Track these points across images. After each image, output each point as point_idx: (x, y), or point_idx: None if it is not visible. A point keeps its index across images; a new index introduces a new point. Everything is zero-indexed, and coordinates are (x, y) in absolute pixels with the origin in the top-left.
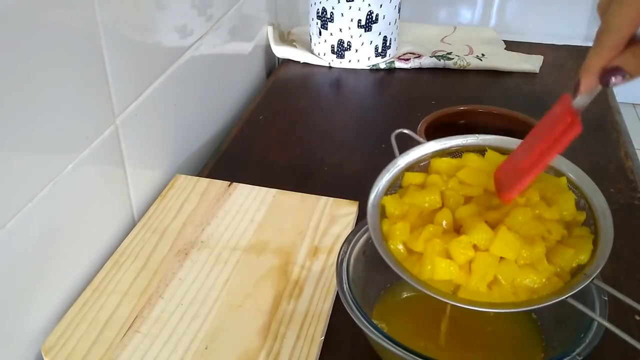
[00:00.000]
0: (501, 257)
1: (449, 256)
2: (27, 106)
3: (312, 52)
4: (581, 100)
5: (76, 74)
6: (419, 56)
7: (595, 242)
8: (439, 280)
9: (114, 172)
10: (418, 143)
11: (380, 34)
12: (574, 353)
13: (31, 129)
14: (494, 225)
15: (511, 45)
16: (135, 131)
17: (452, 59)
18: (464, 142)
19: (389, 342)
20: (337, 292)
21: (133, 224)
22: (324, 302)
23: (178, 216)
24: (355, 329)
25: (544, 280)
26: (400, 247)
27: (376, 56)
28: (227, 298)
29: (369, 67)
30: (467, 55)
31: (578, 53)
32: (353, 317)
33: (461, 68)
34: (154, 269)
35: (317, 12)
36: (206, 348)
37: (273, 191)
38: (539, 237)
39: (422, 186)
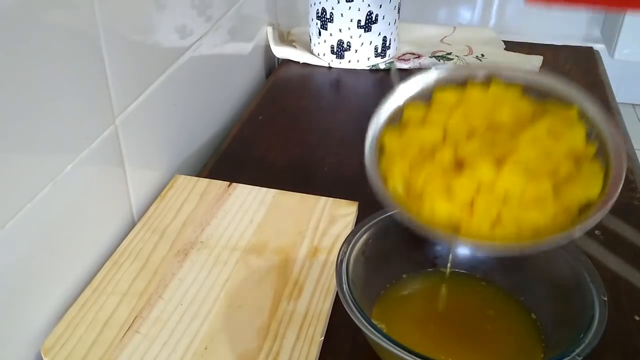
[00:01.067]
0: (505, 197)
1: (450, 194)
2: (27, 106)
3: (311, 52)
4: None
5: (76, 74)
6: (419, 56)
7: (605, 178)
8: (440, 221)
9: (113, 172)
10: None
11: (379, 34)
12: (574, 353)
13: (31, 129)
14: (499, 162)
15: (511, 46)
16: (135, 131)
17: (452, 59)
18: (469, 71)
19: (388, 342)
20: (337, 292)
21: (132, 224)
22: (323, 302)
23: (178, 216)
24: (354, 329)
25: (549, 219)
26: (399, 188)
27: (376, 56)
28: (226, 298)
29: (368, 68)
30: (466, 55)
31: (577, 53)
32: (352, 317)
33: None
34: (153, 269)
35: (317, 13)
36: (206, 348)
37: (273, 191)
38: (547, 173)
39: (423, 121)
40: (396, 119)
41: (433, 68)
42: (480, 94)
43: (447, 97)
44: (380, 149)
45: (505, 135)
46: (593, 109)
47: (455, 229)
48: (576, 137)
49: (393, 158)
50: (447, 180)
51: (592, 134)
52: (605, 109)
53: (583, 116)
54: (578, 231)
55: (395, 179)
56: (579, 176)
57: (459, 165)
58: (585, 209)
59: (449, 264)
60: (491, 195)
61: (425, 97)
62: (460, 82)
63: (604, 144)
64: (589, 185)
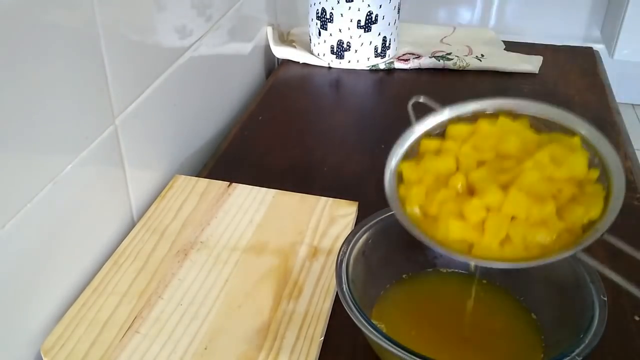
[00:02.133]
0: (512, 217)
1: (462, 217)
2: (27, 107)
3: (311, 52)
4: None
5: (75, 74)
6: (419, 57)
7: (607, 199)
8: (453, 241)
9: (113, 173)
10: (434, 110)
11: (379, 34)
12: (574, 354)
13: (30, 130)
14: (505, 187)
15: (510, 46)
16: (135, 132)
17: (452, 59)
18: (479, 107)
19: (388, 342)
20: (337, 293)
21: (132, 225)
22: (323, 302)
23: (177, 217)
24: (354, 329)
25: (554, 236)
26: (416, 210)
27: (375, 57)
28: (226, 298)
29: (368, 68)
30: (466, 55)
31: (577, 53)
32: (352, 317)
33: (460, 69)
34: (153, 269)
35: (317, 13)
36: (205, 348)
37: (272, 192)
38: (550, 196)
39: (437, 152)
40: (413, 152)
41: (447, 109)
42: (489, 126)
43: (459, 130)
44: (398, 178)
45: (512, 163)
46: (595, 136)
47: (468, 248)
48: (578, 162)
49: (411, 185)
50: (460, 204)
51: (595, 161)
52: (605, 138)
53: (586, 143)
54: (580, 248)
55: (413, 203)
56: (581, 198)
57: (471, 191)
58: (588, 226)
59: (474, 271)
60: (499, 217)
61: (439, 132)
62: (471, 117)
63: (606, 167)
64: (590, 206)
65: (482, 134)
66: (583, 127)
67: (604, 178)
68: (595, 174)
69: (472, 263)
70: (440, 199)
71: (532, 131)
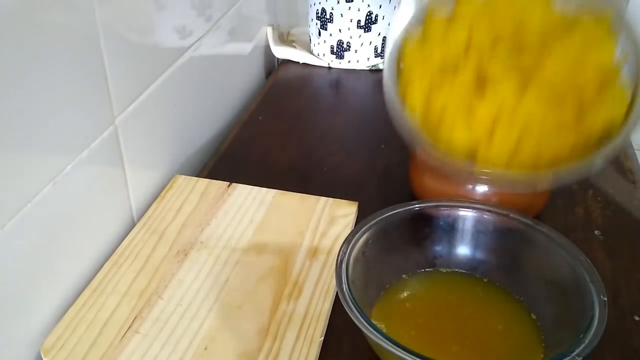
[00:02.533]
0: (526, 123)
1: (469, 121)
2: (26, 107)
3: (311, 52)
4: None
5: (75, 74)
6: None
7: (631, 105)
8: (458, 151)
9: (113, 173)
10: None
11: (379, 34)
12: (574, 354)
13: (30, 130)
14: (524, 77)
15: None
16: (135, 132)
17: None
18: None
19: (388, 342)
20: (337, 293)
21: (132, 225)
22: (323, 302)
23: (177, 217)
24: (354, 330)
25: (568, 147)
26: (418, 109)
27: (376, 57)
28: (226, 299)
29: (368, 68)
30: None
31: None
32: (352, 317)
33: None
34: (153, 269)
35: (317, 13)
36: (205, 348)
37: (272, 192)
38: (571, 98)
39: (446, 30)
40: (419, 23)
41: None
42: None
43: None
44: (399, 66)
45: (532, 47)
46: (626, 21)
47: (473, 158)
48: (605, 55)
49: (413, 74)
50: (468, 104)
51: (625, 47)
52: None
53: (616, 27)
54: (597, 159)
55: (414, 98)
56: (604, 97)
57: (481, 84)
58: (605, 135)
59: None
60: (512, 120)
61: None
62: None
63: (637, 59)
64: (613, 107)
65: (499, 6)
66: (614, 8)
67: (633, 71)
68: (621, 67)
69: (474, 176)
70: (445, 96)
71: (554, 11)
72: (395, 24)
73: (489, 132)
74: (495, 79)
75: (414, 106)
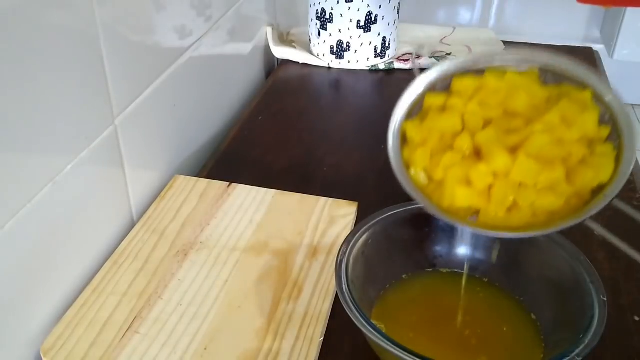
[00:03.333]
0: (520, 183)
1: (469, 182)
2: (26, 107)
3: (311, 52)
4: None
5: (75, 74)
6: (418, 57)
7: (617, 160)
8: (459, 208)
9: (113, 173)
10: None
11: (379, 34)
12: (573, 354)
13: (30, 130)
14: (513, 150)
15: (510, 46)
16: (135, 132)
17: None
18: (486, 58)
19: (388, 342)
20: (337, 293)
21: (132, 225)
22: (323, 302)
23: (177, 217)
24: (354, 330)
25: (562, 201)
26: (422, 176)
27: (375, 57)
28: (226, 299)
29: (368, 68)
30: None
31: (577, 53)
32: (352, 317)
33: None
34: (153, 269)
35: (317, 13)
36: (205, 349)
37: (272, 192)
38: (559, 160)
39: (442, 109)
40: (417, 108)
41: (451, 58)
42: (496, 81)
43: (465, 85)
44: (402, 137)
45: (520, 122)
46: (606, 90)
47: (474, 213)
48: (589, 121)
49: (415, 146)
50: (466, 168)
51: (606, 116)
52: (619, 97)
53: (597, 98)
54: (590, 213)
55: (417, 166)
56: (591, 160)
57: (477, 153)
58: (597, 190)
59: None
60: (507, 182)
61: (445, 86)
62: (478, 70)
63: (617, 125)
64: (600, 169)
65: (489, 90)
66: (593, 80)
67: (615, 136)
68: (606, 131)
69: (477, 231)
70: (445, 163)
71: (540, 85)
72: (402, 103)
73: (487, 194)
74: (488, 149)
75: (418, 173)
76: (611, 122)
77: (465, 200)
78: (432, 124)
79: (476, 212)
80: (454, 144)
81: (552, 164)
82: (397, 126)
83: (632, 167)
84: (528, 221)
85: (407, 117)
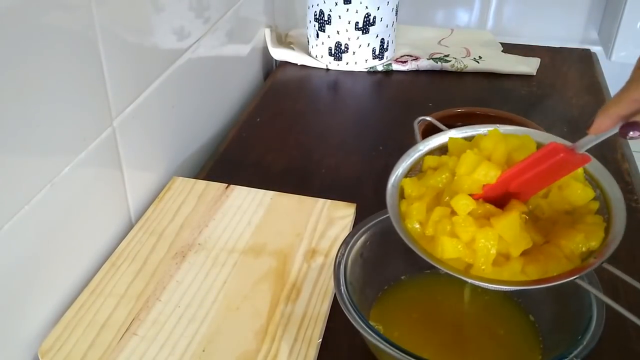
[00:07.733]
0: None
1: (455, 236)
2: (25, 108)
3: (309, 54)
4: (586, 140)
5: (73, 75)
6: (416, 58)
7: (607, 230)
8: (453, 259)
9: (111, 174)
10: (439, 130)
11: (377, 36)
12: (572, 355)
13: (28, 131)
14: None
15: (508, 48)
16: (133, 133)
17: (450, 61)
18: (484, 131)
19: (386, 344)
20: (335, 294)
21: (130, 227)
22: (321, 304)
23: (175, 218)
24: (352, 331)
25: (549, 265)
26: (417, 226)
27: (373, 58)
28: (224, 300)
29: (366, 70)
30: (464, 57)
31: (575, 55)
32: (350, 319)
33: (458, 70)
34: (151, 271)
35: (315, 15)
36: (203, 350)
37: (270, 193)
38: (542, 235)
39: (437, 167)
40: (416, 169)
41: (450, 131)
42: (487, 141)
43: (459, 145)
44: (400, 193)
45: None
46: (598, 169)
47: (467, 266)
48: (581, 197)
49: (411, 201)
50: (452, 222)
51: (597, 193)
52: (609, 174)
53: (588, 174)
54: (578, 276)
55: (413, 219)
56: (581, 226)
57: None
58: (587, 255)
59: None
60: (488, 233)
61: (443, 151)
62: (469, 139)
63: (607, 201)
64: (591, 236)
65: (481, 148)
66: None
67: (605, 210)
68: (595, 205)
69: (470, 282)
70: (434, 217)
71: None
72: (401, 162)
73: (473, 250)
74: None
75: (413, 225)
76: (601, 198)
77: (453, 252)
78: (426, 181)
79: (468, 265)
80: (443, 199)
81: (534, 235)
82: (395, 182)
83: (621, 238)
84: (518, 278)
85: (406, 175)
